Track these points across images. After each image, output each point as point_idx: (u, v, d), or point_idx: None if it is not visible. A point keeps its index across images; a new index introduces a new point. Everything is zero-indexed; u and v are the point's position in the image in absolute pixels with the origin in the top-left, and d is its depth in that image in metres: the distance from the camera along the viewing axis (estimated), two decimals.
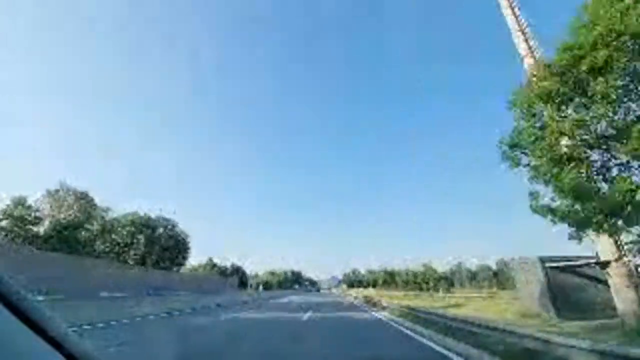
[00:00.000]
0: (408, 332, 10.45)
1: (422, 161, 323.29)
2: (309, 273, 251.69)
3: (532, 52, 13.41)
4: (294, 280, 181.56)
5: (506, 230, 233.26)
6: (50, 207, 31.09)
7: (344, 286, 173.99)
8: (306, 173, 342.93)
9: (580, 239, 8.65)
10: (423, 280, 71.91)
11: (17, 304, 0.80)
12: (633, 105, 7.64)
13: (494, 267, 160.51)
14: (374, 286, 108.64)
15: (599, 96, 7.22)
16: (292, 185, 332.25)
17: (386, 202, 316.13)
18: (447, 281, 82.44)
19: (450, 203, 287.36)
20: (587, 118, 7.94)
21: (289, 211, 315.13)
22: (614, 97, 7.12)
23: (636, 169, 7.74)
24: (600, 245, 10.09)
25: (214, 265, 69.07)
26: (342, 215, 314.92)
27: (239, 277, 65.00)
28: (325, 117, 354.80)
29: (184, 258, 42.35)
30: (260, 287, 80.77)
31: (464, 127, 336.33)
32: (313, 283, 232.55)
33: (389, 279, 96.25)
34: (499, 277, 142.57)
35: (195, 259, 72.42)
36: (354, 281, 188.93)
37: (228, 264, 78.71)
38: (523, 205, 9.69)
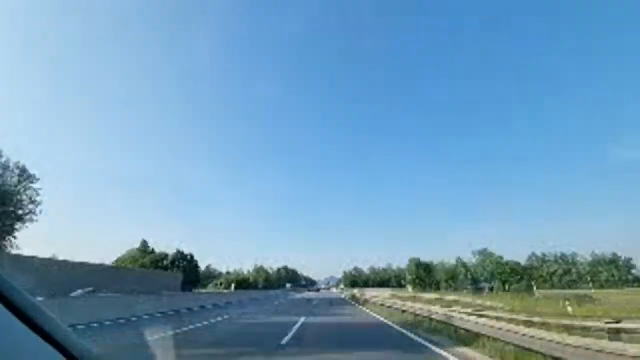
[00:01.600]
0: None
1: (418, 158, 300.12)
2: (306, 272, 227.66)
3: None
4: (289, 279, 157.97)
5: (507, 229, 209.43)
6: None
7: (342, 286, 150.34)
8: (305, 170, 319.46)
9: None
10: (482, 277, 48.45)
11: (18, 304, 0.79)
12: None
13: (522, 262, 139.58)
14: (389, 287, 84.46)
15: None
16: (290, 183, 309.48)
17: (385, 200, 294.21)
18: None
19: (453, 202, 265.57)
20: None
21: (286, 208, 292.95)
22: None
23: None
24: None
25: (149, 251, 45.25)
26: (340, 213, 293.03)
27: (183, 270, 41.36)
28: (329, 111, 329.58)
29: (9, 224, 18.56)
30: (233, 287, 56.94)
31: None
32: (312, 282, 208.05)
33: (424, 275, 69.03)
34: (532, 274, 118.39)
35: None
36: (358, 280, 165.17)
37: (205, 257, 56.14)
38: None
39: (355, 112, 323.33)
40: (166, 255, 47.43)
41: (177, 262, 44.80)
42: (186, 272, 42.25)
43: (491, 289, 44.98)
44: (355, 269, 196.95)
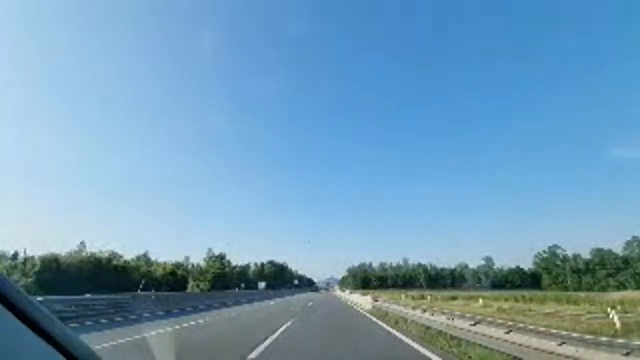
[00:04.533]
0: None
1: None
2: (305, 272, 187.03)
3: None
4: (274, 276, 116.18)
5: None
6: None
7: (336, 286, 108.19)
8: (305, 169, 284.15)
9: None
10: None
11: (18, 305, 0.79)
12: None
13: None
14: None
15: None
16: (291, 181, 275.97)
17: (384, 200, 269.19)
18: None
19: (455, 202, 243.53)
20: None
21: (284, 207, 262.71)
22: None
23: None
24: None
25: None
26: (339, 213, 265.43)
27: None
28: (329, 110, 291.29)
29: None
30: None
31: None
32: (310, 282, 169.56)
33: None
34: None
35: None
36: (370, 277, 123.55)
37: None
38: None
39: (356, 111, 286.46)
40: None
41: None
42: None
43: None
44: (363, 264, 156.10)
